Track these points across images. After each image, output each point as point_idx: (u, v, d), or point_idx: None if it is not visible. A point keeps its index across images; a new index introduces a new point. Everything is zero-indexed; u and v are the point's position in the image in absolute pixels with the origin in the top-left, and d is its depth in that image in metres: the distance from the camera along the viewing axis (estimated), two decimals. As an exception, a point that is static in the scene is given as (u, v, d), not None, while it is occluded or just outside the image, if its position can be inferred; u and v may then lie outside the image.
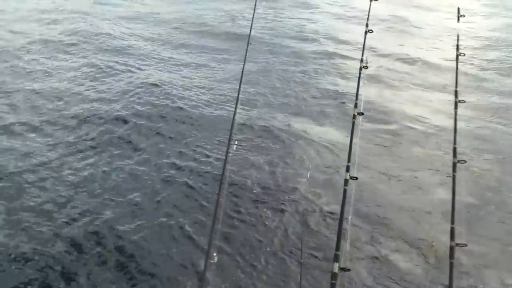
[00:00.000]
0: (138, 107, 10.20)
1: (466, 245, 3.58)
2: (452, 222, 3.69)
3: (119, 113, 9.83)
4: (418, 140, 10.03)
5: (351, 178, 3.53)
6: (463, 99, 4.90)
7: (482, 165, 8.78)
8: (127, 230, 6.38)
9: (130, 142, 8.81)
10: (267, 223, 6.80)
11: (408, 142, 9.92)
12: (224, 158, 3.96)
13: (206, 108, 10.62)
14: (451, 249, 3.51)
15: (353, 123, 4.04)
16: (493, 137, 10.25)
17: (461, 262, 5.70)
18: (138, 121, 9.57)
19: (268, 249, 6.28)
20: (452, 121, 4.60)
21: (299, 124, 10.22)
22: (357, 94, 4.50)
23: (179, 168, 8.03)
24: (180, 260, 5.97)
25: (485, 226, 6.96)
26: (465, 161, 4.17)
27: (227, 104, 10.81)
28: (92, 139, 8.79)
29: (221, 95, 11.43)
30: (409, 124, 10.72)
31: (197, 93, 11.42)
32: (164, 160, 8.24)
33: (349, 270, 2.81)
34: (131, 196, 7.15)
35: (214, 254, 3.57)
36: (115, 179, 7.55)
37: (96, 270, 5.64)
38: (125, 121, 9.50)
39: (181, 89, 11.49)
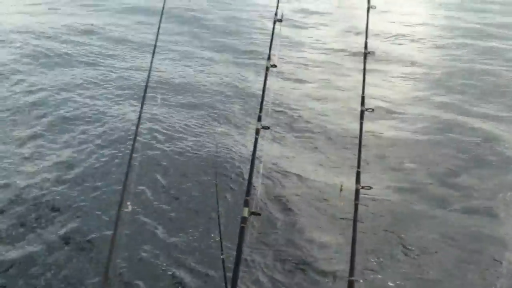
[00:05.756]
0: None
1: (370, 187, 3.81)
2: (358, 166, 3.92)
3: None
4: (328, 94, 10.51)
5: (263, 127, 3.61)
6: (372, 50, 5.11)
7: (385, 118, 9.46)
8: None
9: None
10: (179, 168, 6.94)
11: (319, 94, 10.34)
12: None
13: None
14: (357, 191, 3.73)
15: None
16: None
17: (366, 204, 6.13)
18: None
19: (181, 197, 6.41)
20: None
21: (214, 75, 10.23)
22: (270, 46, 4.54)
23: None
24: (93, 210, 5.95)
25: (388, 171, 7.51)
26: (373, 110, 4.39)
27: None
28: None
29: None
30: (320, 78, 11.10)
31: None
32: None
33: (259, 214, 2.92)
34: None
35: (128, 203, 3.59)
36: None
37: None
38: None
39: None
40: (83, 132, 8.02)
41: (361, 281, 4.98)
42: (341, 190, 6.06)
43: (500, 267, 5.37)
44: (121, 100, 9.51)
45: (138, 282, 4.89)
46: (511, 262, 5.42)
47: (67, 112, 8.75)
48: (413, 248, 5.65)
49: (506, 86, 11.20)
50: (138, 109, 4.07)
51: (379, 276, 5.18)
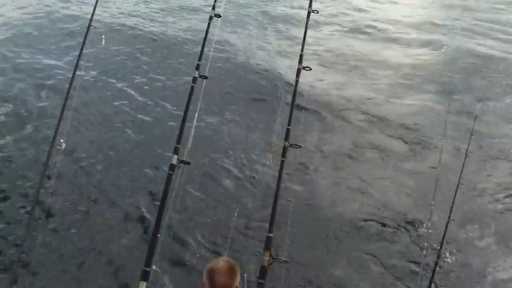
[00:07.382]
0: None
1: (299, 146, 3.89)
2: (289, 124, 3.96)
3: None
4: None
5: (201, 76, 3.58)
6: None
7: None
8: None
9: None
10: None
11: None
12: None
13: None
14: (284, 148, 3.79)
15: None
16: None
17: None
18: None
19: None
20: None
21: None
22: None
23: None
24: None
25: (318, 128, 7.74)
26: (310, 68, 4.40)
27: None
28: None
29: None
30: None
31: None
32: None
33: (188, 163, 2.93)
34: None
35: (62, 141, 3.60)
36: None
37: None
38: None
39: None
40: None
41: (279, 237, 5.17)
42: (271, 147, 6.22)
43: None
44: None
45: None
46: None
47: None
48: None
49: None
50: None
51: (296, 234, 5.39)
